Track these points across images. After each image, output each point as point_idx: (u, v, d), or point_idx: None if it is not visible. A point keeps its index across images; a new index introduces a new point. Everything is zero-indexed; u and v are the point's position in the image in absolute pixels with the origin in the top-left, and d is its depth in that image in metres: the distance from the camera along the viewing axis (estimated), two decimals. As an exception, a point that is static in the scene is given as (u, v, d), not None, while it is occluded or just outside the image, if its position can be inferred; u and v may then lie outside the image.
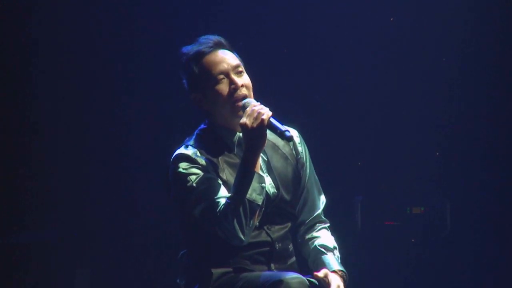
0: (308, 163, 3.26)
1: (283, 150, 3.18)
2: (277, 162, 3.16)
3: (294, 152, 3.22)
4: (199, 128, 3.18)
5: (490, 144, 5.39)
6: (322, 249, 3.20)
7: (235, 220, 2.90)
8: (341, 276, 3.11)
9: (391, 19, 5.43)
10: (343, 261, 5.23)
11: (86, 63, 5.26)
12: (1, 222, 5.10)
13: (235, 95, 3.07)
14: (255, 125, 2.94)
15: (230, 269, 3.02)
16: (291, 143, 3.20)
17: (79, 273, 5.29)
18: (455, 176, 5.42)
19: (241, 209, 2.91)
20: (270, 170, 3.13)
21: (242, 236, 2.92)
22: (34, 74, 5.20)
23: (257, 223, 2.99)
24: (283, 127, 2.96)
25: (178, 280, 3.15)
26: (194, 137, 3.14)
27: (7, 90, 5.14)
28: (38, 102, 5.21)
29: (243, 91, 3.08)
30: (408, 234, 5.39)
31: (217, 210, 2.93)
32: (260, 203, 2.95)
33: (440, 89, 5.41)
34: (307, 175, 3.25)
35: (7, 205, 5.12)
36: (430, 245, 5.38)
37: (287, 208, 3.16)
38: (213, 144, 3.10)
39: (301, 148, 3.25)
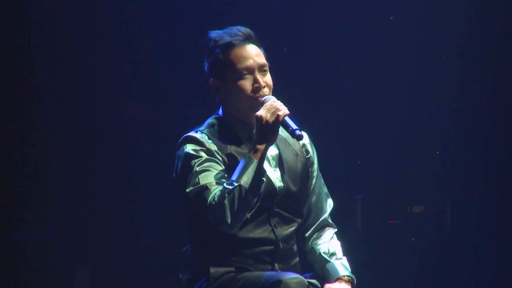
0: (316, 166, 3.27)
1: (293, 147, 3.19)
2: (288, 157, 3.16)
3: (303, 150, 3.23)
4: (211, 117, 3.18)
5: (490, 143, 5.39)
6: (326, 257, 3.19)
7: (228, 206, 2.89)
8: (347, 281, 3.12)
9: (391, 18, 5.43)
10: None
11: (86, 61, 5.26)
12: (1, 221, 5.10)
13: (257, 94, 3.08)
14: (270, 120, 2.96)
15: (232, 268, 3.01)
16: (301, 143, 3.21)
17: (79, 272, 5.29)
18: (455, 174, 5.42)
19: (236, 197, 2.90)
20: (280, 163, 3.14)
21: (232, 224, 2.91)
22: (34, 73, 5.20)
23: (249, 216, 2.97)
24: (296, 126, 2.99)
25: (180, 276, 3.15)
26: (204, 124, 3.15)
27: (7, 89, 5.14)
28: (38, 101, 5.21)
29: (265, 91, 3.09)
30: (408, 233, 5.39)
31: (213, 194, 2.92)
32: (257, 196, 2.94)
33: (440, 88, 5.41)
34: (315, 177, 3.26)
35: (7, 204, 5.12)
36: (431, 244, 5.39)
37: (294, 205, 3.15)
38: (224, 133, 3.11)
39: (311, 149, 3.26)
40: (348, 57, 5.41)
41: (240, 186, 2.91)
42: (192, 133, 3.09)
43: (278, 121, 2.97)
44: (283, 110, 2.98)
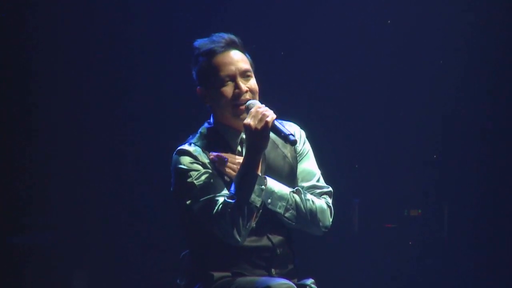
0: (306, 156, 3.20)
1: (282, 149, 3.15)
2: (274, 160, 3.13)
3: (294, 151, 3.19)
4: (203, 126, 3.17)
5: (487, 147, 5.40)
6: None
7: (232, 220, 2.89)
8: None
9: (388, 21, 5.45)
10: (342, 262, 5.26)
11: (85, 62, 5.26)
12: (1, 223, 5.11)
13: (238, 100, 3.05)
14: (259, 126, 2.92)
15: (229, 274, 3.02)
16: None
17: (77, 274, 5.30)
18: (452, 178, 5.43)
19: (239, 210, 2.90)
20: (267, 169, 3.10)
21: (238, 237, 2.91)
22: (34, 74, 5.20)
23: (254, 225, 2.97)
24: (287, 131, 2.94)
25: (178, 281, 3.15)
26: (197, 135, 3.13)
27: (7, 89, 5.15)
28: (38, 102, 5.22)
29: (247, 96, 3.06)
30: (405, 236, 5.40)
31: (215, 209, 2.92)
32: (258, 205, 2.93)
33: (438, 92, 5.42)
34: (302, 162, 3.20)
35: (7, 206, 5.12)
36: (428, 247, 5.39)
37: None
38: (216, 143, 3.10)
39: (301, 146, 3.21)
40: (345, 61, 5.41)
41: (240, 198, 2.90)
42: (185, 146, 3.07)
43: (268, 127, 2.92)
44: (270, 115, 2.94)
